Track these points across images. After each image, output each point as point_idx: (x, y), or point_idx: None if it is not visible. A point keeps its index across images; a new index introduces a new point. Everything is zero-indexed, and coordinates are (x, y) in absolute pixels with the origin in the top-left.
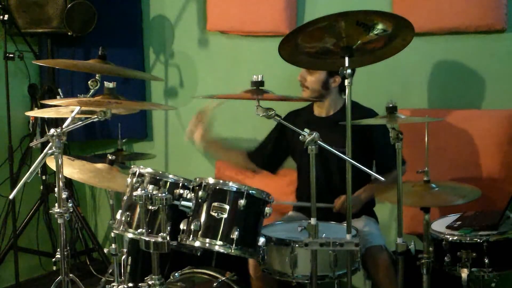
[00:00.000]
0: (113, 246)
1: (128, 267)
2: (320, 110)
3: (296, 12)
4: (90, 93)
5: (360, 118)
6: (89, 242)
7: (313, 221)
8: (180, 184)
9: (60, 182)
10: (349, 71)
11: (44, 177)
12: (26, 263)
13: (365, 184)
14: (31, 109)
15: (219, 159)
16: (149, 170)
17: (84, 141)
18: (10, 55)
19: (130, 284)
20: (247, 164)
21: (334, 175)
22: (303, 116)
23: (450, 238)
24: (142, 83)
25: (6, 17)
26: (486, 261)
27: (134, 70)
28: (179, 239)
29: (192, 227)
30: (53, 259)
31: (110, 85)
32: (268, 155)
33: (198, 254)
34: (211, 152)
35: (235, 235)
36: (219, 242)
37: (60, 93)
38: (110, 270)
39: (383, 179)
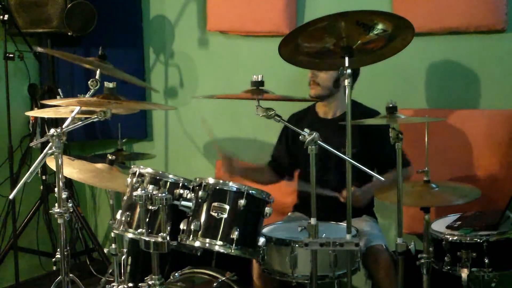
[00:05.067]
0: (113, 246)
1: (128, 267)
2: (326, 111)
3: (296, 12)
4: (90, 93)
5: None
6: (89, 242)
7: (313, 221)
8: (180, 184)
9: (60, 182)
10: (349, 71)
11: (44, 177)
12: (26, 263)
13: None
14: (31, 109)
15: (247, 180)
16: (149, 170)
17: (84, 141)
18: (10, 55)
19: (130, 284)
20: (270, 176)
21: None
22: (307, 119)
23: (450, 238)
24: None
25: (6, 17)
26: (486, 261)
27: (132, 76)
28: (179, 239)
29: (192, 227)
30: (53, 259)
31: (110, 85)
32: (283, 163)
33: (198, 254)
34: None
35: (235, 235)
36: (219, 242)
37: (60, 93)
38: (110, 270)
39: (382, 179)
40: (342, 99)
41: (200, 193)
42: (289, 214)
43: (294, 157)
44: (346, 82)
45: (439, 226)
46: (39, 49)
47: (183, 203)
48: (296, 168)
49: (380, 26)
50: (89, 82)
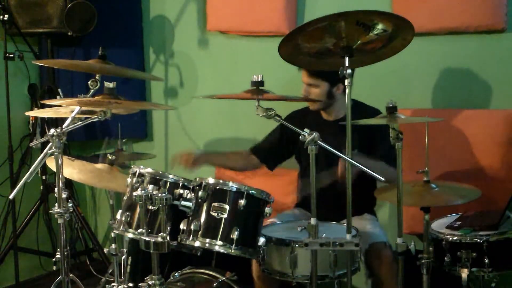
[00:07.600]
0: (113, 246)
1: (128, 267)
2: (328, 114)
3: (296, 12)
4: (90, 93)
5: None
6: (89, 242)
7: (313, 221)
8: (180, 184)
9: (60, 182)
10: (349, 71)
11: (44, 177)
12: (26, 263)
13: (369, 185)
14: (31, 109)
15: (218, 167)
16: (149, 170)
17: (84, 141)
18: (10, 55)
19: (130, 284)
20: (246, 162)
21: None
22: (310, 119)
23: (450, 238)
24: (142, 83)
25: (6, 17)
26: (486, 261)
27: (134, 70)
28: (179, 239)
29: (192, 227)
30: (53, 259)
31: (110, 85)
32: (271, 150)
33: (198, 254)
34: (206, 164)
35: (235, 235)
36: (219, 242)
37: (60, 93)
38: (110, 270)
39: (383, 179)
40: (342, 102)
41: (200, 193)
42: (292, 211)
43: (287, 155)
44: (346, 82)
45: (439, 226)
46: (38, 62)
47: (183, 203)
48: (280, 164)
49: (380, 26)
50: (89, 82)
